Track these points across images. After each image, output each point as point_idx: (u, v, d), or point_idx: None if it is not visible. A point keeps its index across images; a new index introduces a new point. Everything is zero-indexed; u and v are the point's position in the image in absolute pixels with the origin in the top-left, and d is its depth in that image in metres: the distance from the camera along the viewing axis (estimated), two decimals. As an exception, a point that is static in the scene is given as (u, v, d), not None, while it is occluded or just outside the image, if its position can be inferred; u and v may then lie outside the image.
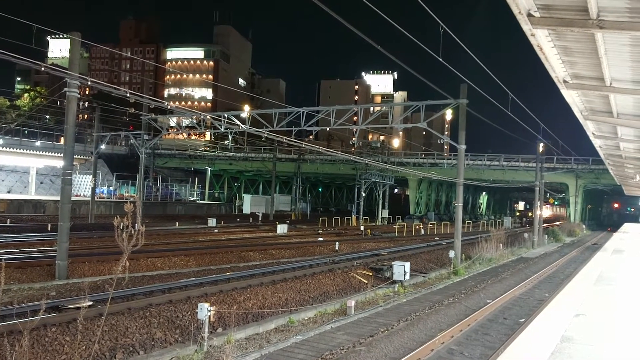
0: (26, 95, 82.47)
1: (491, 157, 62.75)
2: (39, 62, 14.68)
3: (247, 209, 63.89)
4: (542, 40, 8.74)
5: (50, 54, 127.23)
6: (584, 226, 63.14)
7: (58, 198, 21.79)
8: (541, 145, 40.42)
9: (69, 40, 21.73)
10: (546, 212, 64.46)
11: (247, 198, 67.82)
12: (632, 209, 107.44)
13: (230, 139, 67.20)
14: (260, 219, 49.64)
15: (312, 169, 67.94)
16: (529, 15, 7.64)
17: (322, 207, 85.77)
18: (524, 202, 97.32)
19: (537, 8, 7.59)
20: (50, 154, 48.06)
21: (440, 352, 10.68)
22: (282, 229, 35.74)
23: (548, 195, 58.39)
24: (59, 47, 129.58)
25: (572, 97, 12.95)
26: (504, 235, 31.42)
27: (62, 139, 27.57)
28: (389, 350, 10.55)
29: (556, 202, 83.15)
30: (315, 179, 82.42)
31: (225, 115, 32.04)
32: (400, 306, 15.24)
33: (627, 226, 52.72)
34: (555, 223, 60.95)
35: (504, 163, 61.34)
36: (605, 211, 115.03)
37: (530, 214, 68.26)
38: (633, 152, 22.75)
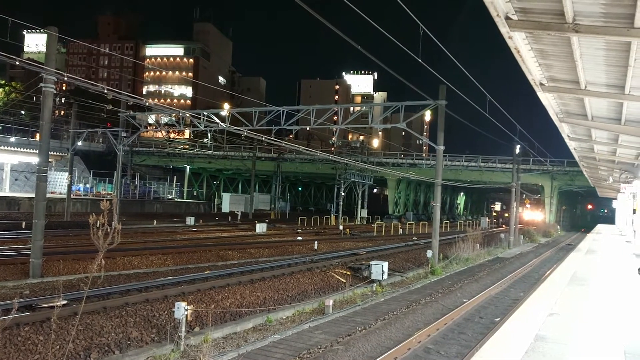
0: (1, 90, 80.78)
1: (469, 158, 63.38)
2: (14, 57, 14.42)
3: (226, 208, 63.52)
4: (520, 43, 8.87)
5: (26, 49, 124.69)
6: (558, 227, 64.12)
7: (33, 195, 21.44)
8: (518, 146, 40.95)
9: (45, 34, 21.39)
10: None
11: (226, 197, 67.41)
12: (605, 211, 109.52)
13: (209, 137, 66.74)
14: (239, 217, 49.40)
15: (292, 168, 67.86)
16: (507, 18, 7.75)
17: (301, 206, 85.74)
18: (500, 203, 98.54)
19: (515, 11, 7.71)
20: (25, 150, 47.17)
21: (417, 350, 10.76)
22: (261, 228, 35.62)
23: (524, 196, 59.15)
24: (35, 42, 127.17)
25: (548, 100, 13.17)
26: (480, 236, 31.77)
27: (38, 135, 27.09)
28: (366, 349, 10.59)
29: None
30: (294, 178, 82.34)
31: (205, 113, 31.84)
32: (378, 305, 15.31)
33: (600, 227, 53.77)
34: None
35: (482, 164, 62.01)
36: (579, 212, 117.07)
37: (506, 215, 68.95)
38: (606, 154, 23.21)
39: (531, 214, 68.28)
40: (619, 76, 10.20)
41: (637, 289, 11.86)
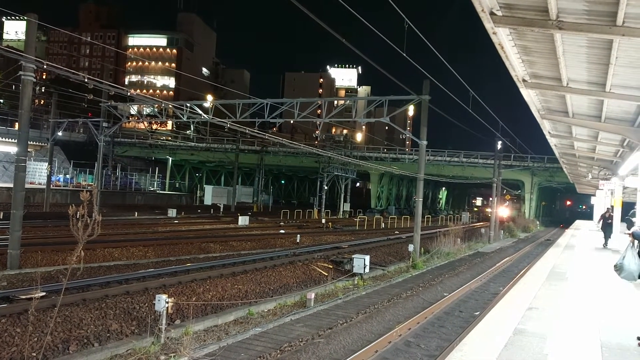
0: (-22, 78, 79.15)
1: (451, 153, 63.87)
2: (-8, 44, 14.12)
3: (208, 200, 63.22)
4: (504, 39, 8.92)
5: (5, 36, 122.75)
6: (538, 222, 64.90)
7: (11, 185, 21.11)
8: (499, 142, 41.33)
9: (25, 22, 21.00)
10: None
11: (208, 189, 67.07)
12: (584, 207, 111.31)
13: (192, 129, 66.23)
14: (221, 210, 49.20)
15: (275, 161, 67.72)
16: (492, 13, 7.78)
17: (284, 199, 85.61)
18: (481, 198, 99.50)
19: (500, 7, 7.74)
20: (3, 139, 46.38)
21: (397, 344, 10.82)
22: (243, 220, 35.50)
23: (505, 192, 59.77)
24: (14, 29, 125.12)
25: (531, 96, 13.29)
26: (461, 230, 32.04)
27: (17, 124, 26.62)
28: (347, 342, 10.63)
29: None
30: (278, 171, 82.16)
31: (188, 105, 31.56)
32: (359, 299, 15.36)
33: (578, 223, 54.58)
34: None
35: (464, 159, 62.52)
36: (558, 208, 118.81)
37: (487, 210, 69.10)
38: (586, 151, 23.53)
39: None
40: (600, 74, 10.32)
41: (614, 285, 12.06)
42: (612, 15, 7.29)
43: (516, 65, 10.49)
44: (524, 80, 11.45)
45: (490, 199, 63.21)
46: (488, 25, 8.00)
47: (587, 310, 9.17)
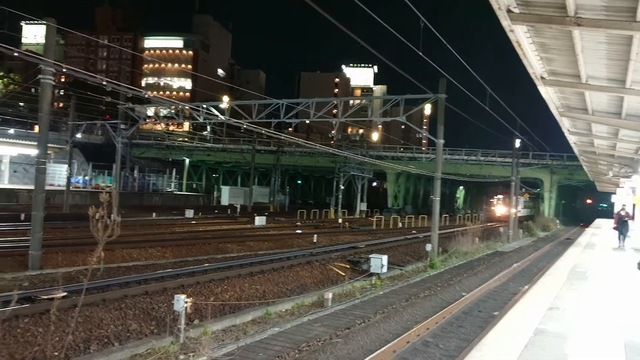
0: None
1: (469, 151, 63.42)
2: (12, 48, 14.34)
3: (225, 201, 63.53)
4: (521, 37, 8.83)
5: (24, 40, 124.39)
6: (557, 221, 64.12)
7: (32, 187, 21.42)
8: (517, 140, 40.87)
9: (43, 26, 21.29)
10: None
11: (225, 189, 67.39)
12: (605, 205, 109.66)
13: (208, 130, 66.64)
14: (238, 210, 49.40)
15: (291, 161, 67.79)
16: (509, 11, 7.71)
17: (300, 199, 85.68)
18: (497, 197, 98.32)
19: (517, 4, 7.67)
20: (24, 142, 47.09)
21: (415, 344, 10.76)
22: (260, 220, 35.61)
23: (524, 190, 59.04)
24: (33, 33, 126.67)
25: (549, 94, 13.13)
26: (480, 229, 31.79)
27: (37, 127, 27.05)
28: (365, 342, 10.60)
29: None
30: (294, 172, 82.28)
31: (204, 106, 31.76)
32: (377, 298, 15.31)
33: (599, 221, 53.83)
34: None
35: (481, 158, 62.03)
36: (578, 206, 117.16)
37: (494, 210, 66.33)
38: (606, 149, 23.20)
39: (503, 209, 57.30)
40: (620, 70, 10.17)
41: (637, 284, 11.88)
42: (632, 11, 7.18)
43: (534, 62, 10.38)
44: (542, 78, 11.33)
45: (497, 197, 62.10)
46: (505, 22, 7.92)
47: (609, 310, 9.04)
